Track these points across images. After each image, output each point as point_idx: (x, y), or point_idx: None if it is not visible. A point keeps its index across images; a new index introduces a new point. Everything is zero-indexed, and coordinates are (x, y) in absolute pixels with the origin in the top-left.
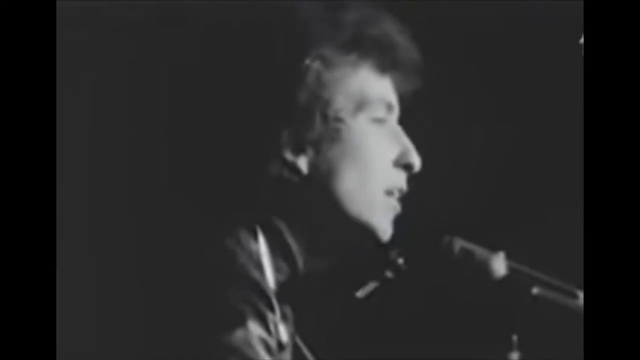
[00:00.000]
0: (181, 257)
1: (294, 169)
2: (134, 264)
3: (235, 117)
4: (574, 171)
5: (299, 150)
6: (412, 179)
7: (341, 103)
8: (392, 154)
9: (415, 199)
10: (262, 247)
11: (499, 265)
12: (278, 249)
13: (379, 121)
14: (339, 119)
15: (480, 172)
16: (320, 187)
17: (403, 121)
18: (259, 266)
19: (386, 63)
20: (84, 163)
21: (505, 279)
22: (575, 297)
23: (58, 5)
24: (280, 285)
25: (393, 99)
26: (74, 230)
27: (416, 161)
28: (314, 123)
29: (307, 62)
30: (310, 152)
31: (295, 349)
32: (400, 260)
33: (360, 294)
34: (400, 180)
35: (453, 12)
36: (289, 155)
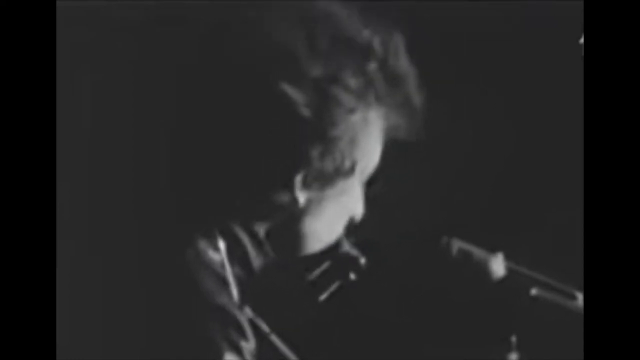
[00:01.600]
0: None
1: (295, 200)
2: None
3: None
4: (574, 171)
5: (306, 186)
6: (411, 179)
7: (358, 158)
8: (355, 211)
9: (414, 200)
10: (224, 256)
11: (498, 266)
12: (234, 255)
13: (364, 182)
14: (349, 172)
15: (479, 172)
16: (298, 215)
17: None
18: (224, 285)
19: (401, 130)
20: (84, 163)
21: (503, 280)
22: (574, 298)
23: (58, 5)
24: (242, 290)
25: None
26: (74, 231)
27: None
28: (332, 169)
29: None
30: (315, 188)
31: (273, 350)
32: (362, 261)
33: (323, 296)
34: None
35: (452, 12)
36: (298, 192)
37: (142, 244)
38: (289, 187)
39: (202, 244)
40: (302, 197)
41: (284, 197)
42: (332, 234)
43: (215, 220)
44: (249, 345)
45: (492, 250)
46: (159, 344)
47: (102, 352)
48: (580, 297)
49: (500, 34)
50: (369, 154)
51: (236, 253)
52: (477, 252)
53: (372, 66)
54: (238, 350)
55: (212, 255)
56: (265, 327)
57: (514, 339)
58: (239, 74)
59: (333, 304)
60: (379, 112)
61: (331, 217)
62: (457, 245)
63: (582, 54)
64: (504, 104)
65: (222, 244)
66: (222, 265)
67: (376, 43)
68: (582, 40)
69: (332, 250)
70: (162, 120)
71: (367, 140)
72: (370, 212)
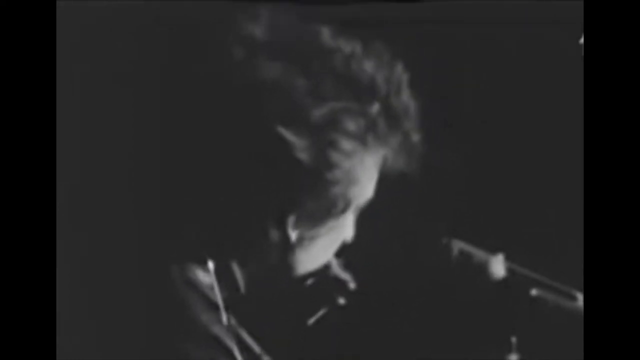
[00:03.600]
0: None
1: (286, 238)
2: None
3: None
4: (574, 171)
5: (299, 225)
6: (410, 180)
7: (353, 197)
8: (346, 235)
9: (414, 201)
10: (214, 278)
11: (498, 267)
12: (222, 277)
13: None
14: (341, 212)
15: (479, 173)
16: (289, 249)
17: None
18: (213, 308)
19: (398, 165)
20: (84, 163)
21: (504, 280)
22: (573, 299)
23: (58, 5)
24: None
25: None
26: (73, 231)
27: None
28: (325, 210)
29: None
30: (306, 226)
31: None
32: (352, 285)
33: (311, 321)
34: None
35: (452, 12)
36: (290, 231)
37: (132, 264)
38: (282, 226)
39: (191, 265)
40: (293, 235)
41: (275, 235)
42: (322, 260)
43: (206, 248)
44: None
45: (493, 251)
46: None
47: None
48: (580, 298)
49: (500, 34)
50: (364, 189)
51: (224, 275)
52: (478, 253)
53: (375, 108)
54: None
55: (202, 277)
56: (257, 349)
57: (514, 339)
58: (239, 111)
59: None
60: (377, 152)
61: (322, 248)
62: (457, 246)
63: (582, 54)
64: (504, 104)
65: (211, 265)
66: (211, 288)
67: (380, 80)
68: (582, 40)
69: (322, 272)
70: (162, 121)
71: (364, 178)
72: (369, 213)
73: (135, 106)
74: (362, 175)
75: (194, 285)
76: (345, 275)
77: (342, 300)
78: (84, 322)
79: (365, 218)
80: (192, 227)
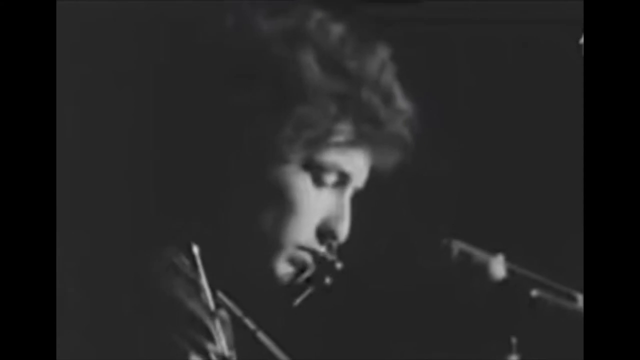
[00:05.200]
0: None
1: None
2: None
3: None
4: (574, 172)
5: None
6: (410, 180)
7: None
8: (321, 216)
9: (413, 201)
10: (198, 260)
11: (498, 267)
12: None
13: (325, 184)
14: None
15: (479, 173)
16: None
17: None
18: (196, 292)
19: (389, 161)
20: (84, 163)
21: (504, 281)
22: (574, 300)
23: (58, 5)
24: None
25: (353, 169)
26: (71, 230)
27: (342, 231)
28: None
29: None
30: None
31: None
32: (339, 265)
33: (297, 301)
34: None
35: (452, 12)
36: None
37: (115, 246)
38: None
39: (174, 248)
40: None
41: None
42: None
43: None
44: (215, 348)
45: (493, 251)
46: (127, 346)
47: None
48: (580, 299)
49: (500, 34)
50: (357, 174)
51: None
52: (478, 253)
53: (364, 94)
54: (204, 353)
55: (184, 259)
56: (251, 325)
57: (514, 340)
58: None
59: (333, 307)
60: (366, 150)
61: (277, 216)
62: (457, 246)
63: (582, 54)
64: (504, 104)
65: (195, 249)
66: (195, 270)
67: (367, 69)
68: (582, 40)
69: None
70: (162, 120)
71: (353, 169)
72: (367, 214)
73: (134, 105)
74: (350, 166)
75: (178, 267)
76: (331, 256)
77: (328, 280)
78: (74, 304)
79: (364, 218)
80: (179, 213)
